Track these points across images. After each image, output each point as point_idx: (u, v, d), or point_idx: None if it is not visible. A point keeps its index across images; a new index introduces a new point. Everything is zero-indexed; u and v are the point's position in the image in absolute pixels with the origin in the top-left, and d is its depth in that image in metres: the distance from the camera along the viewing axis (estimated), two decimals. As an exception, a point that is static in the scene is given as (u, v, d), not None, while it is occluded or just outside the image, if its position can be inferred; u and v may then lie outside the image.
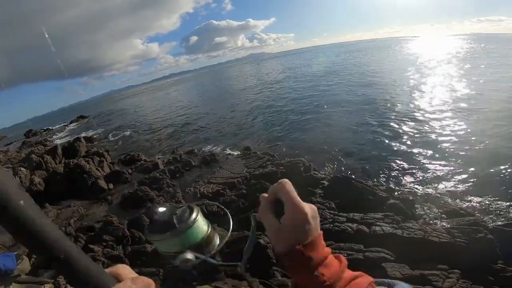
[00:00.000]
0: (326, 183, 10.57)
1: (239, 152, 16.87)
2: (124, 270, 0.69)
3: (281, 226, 0.77)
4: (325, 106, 26.47)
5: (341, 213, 8.13)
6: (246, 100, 39.29)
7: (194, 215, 0.83)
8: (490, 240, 6.89)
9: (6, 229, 0.48)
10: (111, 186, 15.16)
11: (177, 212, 0.83)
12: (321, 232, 0.79)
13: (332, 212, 8.24)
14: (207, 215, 0.94)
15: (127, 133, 33.54)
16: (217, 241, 0.88)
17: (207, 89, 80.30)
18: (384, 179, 11.65)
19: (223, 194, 11.26)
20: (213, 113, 34.09)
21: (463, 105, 20.73)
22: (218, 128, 26.05)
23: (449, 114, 19.17)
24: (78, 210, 13.18)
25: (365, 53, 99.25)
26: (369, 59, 71.23)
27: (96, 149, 20.13)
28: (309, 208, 0.79)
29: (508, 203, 9.52)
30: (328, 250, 0.79)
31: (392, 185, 10.64)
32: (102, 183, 15.11)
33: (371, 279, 0.79)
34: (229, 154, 16.95)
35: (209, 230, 0.86)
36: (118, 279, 0.65)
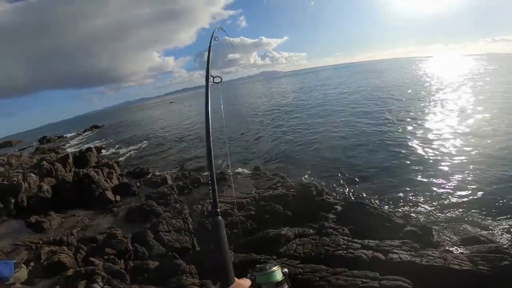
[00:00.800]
0: (339, 208, 10.19)
1: (249, 172, 16.61)
2: (246, 283, 0.94)
3: None
4: (337, 128, 26.11)
5: (355, 240, 7.69)
6: (256, 118, 39.34)
7: (276, 267, 1.27)
8: None
9: None
10: (118, 198, 15.01)
11: (269, 264, 1.29)
12: None
13: (346, 238, 7.81)
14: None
15: (139, 145, 33.79)
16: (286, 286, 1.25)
17: (218, 105, 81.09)
18: (401, 205, 11.11)
19: (231, 214, 10.94)
20: (224, 130, 34.16)
21: (479, 127, 20.12)
22: (228, 146, 25.96)
23: (465, 137, 18.51)
24: (83, 220, 12.99)
25: (378, 74, 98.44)
26: (382, 80, 70.75)
27: (106, 160, 20.17)
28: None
29: None
30: None
31: (408, 212, 10.11)
32: (110, 194, 14.98)
33: None
34: (239, 173, 16.70)
35: (283, 277, 1.26)
36: None
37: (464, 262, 6.67)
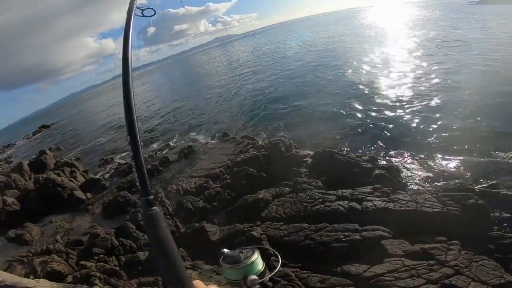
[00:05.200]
0: (310, 160, 10.55)
1: (217, 140, 16.49)
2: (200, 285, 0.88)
3: None
4: (298, 83, 26.18)
5: (330, 192, 8.13)
6: (217, 85, 38.15)
7: (255, 255, 1.05)
8: (482, 206, 7.03)
9: None
10: (89, 195, 14.48)
11: (243, 251, 1.06)
12: None
13: (321, 191, 8.22)
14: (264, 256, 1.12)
15: (95, 136, 31.94)
16: (267, 277, 1.07)
17: (173, 79, 77.09)
18: (366, 150, 11.74)
19: (207, 187, 11.01)
20: (184, 103, 33.03)
21: (439, 73, 20.76)
22: (192, 118, 25.31)
23: (424, 83, 19.18)
24: (61, 225, 12.55)
25: (323, 27, 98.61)
26: (325, 34, 70.74)
27: (65, 160, 19.01)
28: None
29: (487, 160, 10.02)
30: None
31: (374, 155, 10.66)
32: (79, 193, 14.39)
33: None
34: (207, 143, 16.55)
35: (263, 268, 1.06)
36: None
37: (435, 204, 7.22)
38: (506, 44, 24.43)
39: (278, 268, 1.12)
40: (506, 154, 10.81)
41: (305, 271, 6.42)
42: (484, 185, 8.80)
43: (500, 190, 8.31)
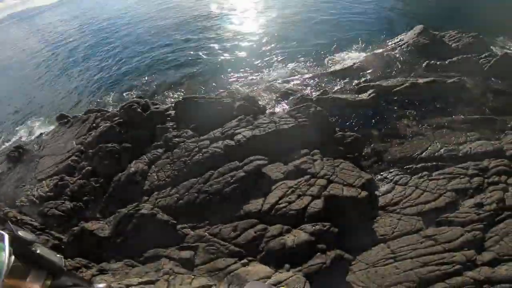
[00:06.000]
0: (171, 112, 9.75)
1: (54, 127, 13.26)
2: None
3: None
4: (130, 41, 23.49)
5: (203, 138, 7.85)
6: (30, 62, 30.07)
7: None
8: (321, 112, 8.08)
9: None
10: None
11: None
12: None
13: (195, 139, 7.78)
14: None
15: None
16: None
17: None
18: (224, 86, 11.95)
19: (65, 184, 8.94)
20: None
21: None
22: (9, 112, 19.45)
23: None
24: None
25: None
26: None
27: None
28: None
29: (318, 73, 11.65)
30: None
31: (231, 88, 11.02)
32: None
33: None
34: (41, 134, 13.21)
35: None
36: None
37: (288, 120, 7.85)
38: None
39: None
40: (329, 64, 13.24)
41: (215, 226, 6.29)
42: (317, 93, 10.51)
43: (330, 95, 10.07)
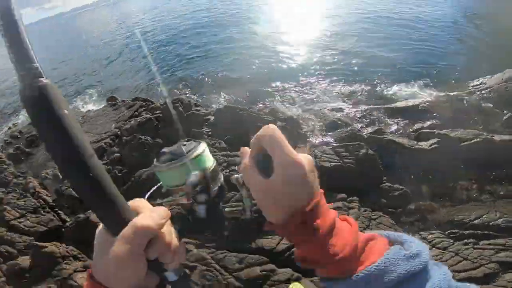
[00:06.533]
0: (212, 118, 9.30)
1: (102, 106, 13.71)
2: (142, 202, 0.69)
3: (271, 187, 0.62)
4: (197, 36, 23.96)
5: (234, 153, 7.18)
6: (106, 45, 32.50)
7: (202, 146, 0.78)
8: (372, 157, 7.05)
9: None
10: None
11: (185, 144, 0.78)
12: (321, 191, 0.69)
13: (225, 153, 7.18)
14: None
15: None
16: (222, 177, 0.80)
17: (47, 45, 63.14)
18: (267, 101, 11.28)
19: (91, 165, 8.90)
20: (65, 66, 27.10)
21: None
22: (72, 82, 20.87)
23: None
24: None
25: None
26: None
27: None
28: (305, 159, 0.65)
29: (372, 107, 10.43)
30: (334, 212, 0.69)
31: (274, 106, 10.30)
32: None
33: (385, 240, 0.68)
34: (89, 111, 13.66)
35: (214, 164, 0.80)
36: (137, 211, 0.66)
37: (332, 158, 6.97)
38: None
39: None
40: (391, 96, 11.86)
41: (220, 251, 5.57)
42: (370, 130, 9.21)
43: (384, 136, 8.80)
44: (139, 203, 0.70)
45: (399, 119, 10.42)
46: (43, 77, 0.51)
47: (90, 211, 7.40)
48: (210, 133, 8.51)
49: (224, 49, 19.20)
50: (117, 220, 0.60)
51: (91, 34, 55.16)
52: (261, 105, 10.90)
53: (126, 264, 0.58)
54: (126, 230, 0.59)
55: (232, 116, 8.49)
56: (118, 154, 9.12)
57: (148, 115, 10.36)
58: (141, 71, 19.48)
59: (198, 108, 10.10)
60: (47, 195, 8.79)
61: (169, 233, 0.66)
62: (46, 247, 6.66)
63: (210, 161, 0.78)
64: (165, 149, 0.77)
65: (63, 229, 7.73)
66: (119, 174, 8.48)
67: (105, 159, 9.42)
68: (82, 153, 0.52)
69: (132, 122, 10.39)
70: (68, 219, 8.20)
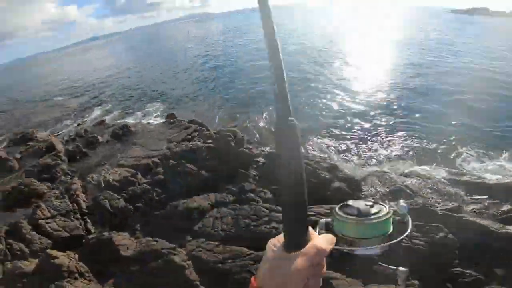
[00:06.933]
0: (262, 160, 8.74)
1: (161, 121, 14.12)
2: (311, 229, 0.73)
3: None
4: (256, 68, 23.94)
5: (279, 207, 6.44)
6: (182, 61, 34.79)
7: (386, 210, 0.80)
8: (451, 242, 5.92)
9: None
10: (-12, 178, 11.52)
11: (373, 205, 0.82)
12: None
13: (268, 206, 6.50)
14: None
15: (27, 103, 27.33)
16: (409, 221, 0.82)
17: (135, 51, 70.10)
18: (327, 155, 10.35)
19: (133, 182, 8.85)
20: (139, 76, 29.46)
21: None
22: (141, 92, 22.34)
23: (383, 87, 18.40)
24: None
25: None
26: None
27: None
28: None
29: (448, 178, 9.00)
30: None
31: (334, 162, 9.27)
32: (-27, 175, 11.40)
33: None
34: (149, 123, 14.14)
35: (392, 230, 0.81)
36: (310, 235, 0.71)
37: None
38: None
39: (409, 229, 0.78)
40: (471, 168, 10.12)
41: None
42: (446, 207, 7.60)
43: (463, 215, 7.27)
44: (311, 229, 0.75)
45: (481, 196, 8.69)
46: (291, 117, 0.66)
47: (115, 231, 7.23)
48: (257, 177, 7.92)
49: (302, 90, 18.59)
50: (301, 241, 0.67)
51: (168, 45, 60.07)
52: (319, 155, 10.01)
53: (303, 277, 0.65)
54: (309, 250, 0.66)
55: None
56: (161, 176, 8.97)
57: (199, 143, 10.22)
58: (206, 92, 20.15)
59: (250, 146, 9.69)
60: (84, 200, 8.88)
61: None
62: (57, 257, 6.45)
63: (390, 226, 0.78)
64: (351, 202, 0.81)
65: (84, 240, 7.61)
66: (156, 198, 8.23)
67: (148, 178, 9.37)
68: (303, 182, 0.67)
69: (183, 146, 10.32)
70: (93, 230, 8.14)
